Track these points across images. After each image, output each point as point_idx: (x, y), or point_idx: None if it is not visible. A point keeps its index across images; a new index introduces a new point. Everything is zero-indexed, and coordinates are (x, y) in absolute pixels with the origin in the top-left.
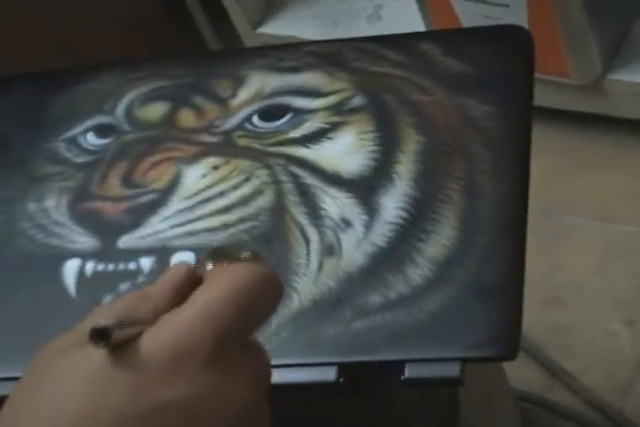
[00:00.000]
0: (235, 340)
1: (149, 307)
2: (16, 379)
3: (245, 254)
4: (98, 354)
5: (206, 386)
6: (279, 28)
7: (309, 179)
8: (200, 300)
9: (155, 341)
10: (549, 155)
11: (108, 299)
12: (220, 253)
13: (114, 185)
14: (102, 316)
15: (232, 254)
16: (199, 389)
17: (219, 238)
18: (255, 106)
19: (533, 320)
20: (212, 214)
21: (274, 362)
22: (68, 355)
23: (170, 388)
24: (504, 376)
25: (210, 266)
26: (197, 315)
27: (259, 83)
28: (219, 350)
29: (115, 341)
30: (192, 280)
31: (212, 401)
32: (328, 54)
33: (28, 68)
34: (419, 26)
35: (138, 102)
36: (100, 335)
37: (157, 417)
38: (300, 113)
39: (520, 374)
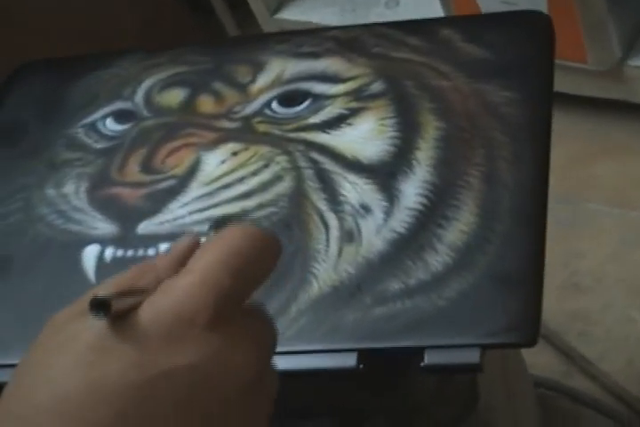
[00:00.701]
0: (234, 303)
1: (151, 277)
2: None
3: (246, 223)
4: (98, 324)
5: (209, 351)
6: (297, 14)
7: (329, 165)
8: (197, 265)
9: (154, 308)
10: (567, 141)
11: None
12: (222, 224)
13: (133, 171)
14: (103, 287)
15: (233, 224)
16: (202, 354)
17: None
18: (275, 91)
19: (552, 307)
20: (231, 200)
21: (294, 348)
22: (70, 326)
23: (172, 355)
24: (523, 363)
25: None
26: (195, 280)
27: (278, 68)
28: (219, 314)
29: (115, 311)
30: (195, 251)
31: (216, 366)
32: (348, 40)
33: (45, 52)
34: (437, 12)
35: (157, 88)
36: (99, 306)
37: (161, 385)
38: (319, 99)
39: (538, 360)
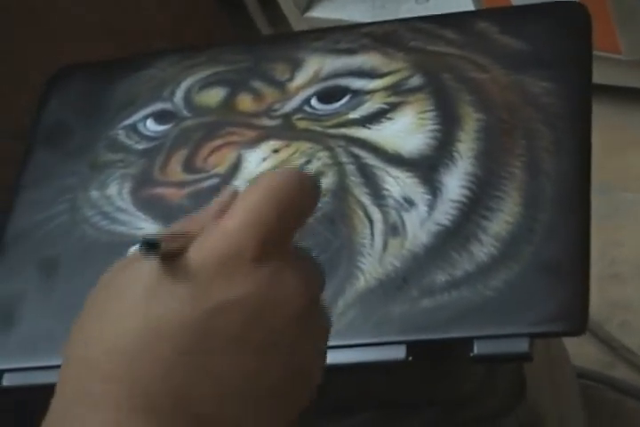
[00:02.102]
0: (280, 240)
1: (197, 225)
2: None
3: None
4: (151, 265)
5: (258, 284)
6: (327, 11)
7: (370, 159)
8: (241, 205)
9: (202, 247)
10: (601, 131)
11: None
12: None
13: (175, 171)
14: (151, 233)
15: None
16: (252, 288)
17: None
18: (313, 88)
19: (592, 297)
20: None
21: (343, 343)
22: (126, 270)
23: (223, 290)
24: (566, 353)
25: None
26: (240, 218)
27: (316, 65)
28: (265, 249)
29: (165, 251)
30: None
31: (265, 299)
32: (384, 35)
33: (79, 56)
34: (467, 6)
35: (196, 88)
36: (149, 246)
37: (215, 319)
38: (358, 94)
39: (580, 351)
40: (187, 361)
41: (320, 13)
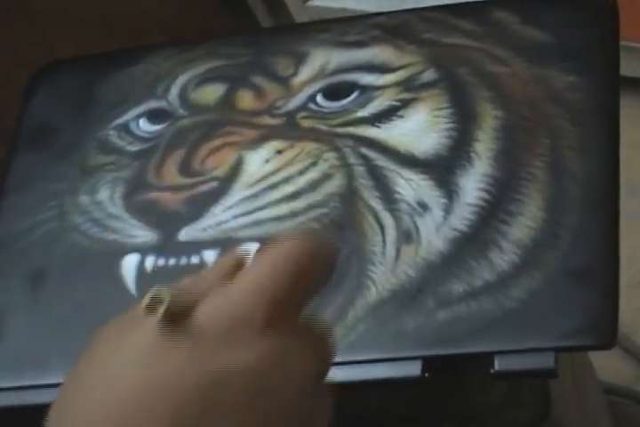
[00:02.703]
0: (291, 308)
1: (204, 285)
2: None
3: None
4: (153, 326)
5: (267, 352)
6: (330, 0)
7: (381, 161)
8: (253, 270)
9: (210, 310)
10: (630, 127)
11: None
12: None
13: (171, 174)
14: (158, 289)
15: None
16: (260, 355)
17: (286, 228)
18: (319, 84)
19: (621, 306)
20: (278, 202)
21: (353, 358)
22: (123, 333)
23: (230, 356)
24: (591, 367)
25: None
26: (251, 283)
27: (321, 59)
28: (275, 316)
29: (169, 310)
30: (242, 266)
31: (274, 370)
32: (395, 26)
33: (71, 50)
34: None
35: (192, 84)
36: (155, 302)
37: (219, 387)
38: (367, 90)
39: (607, 364)
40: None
41: (323, 2)
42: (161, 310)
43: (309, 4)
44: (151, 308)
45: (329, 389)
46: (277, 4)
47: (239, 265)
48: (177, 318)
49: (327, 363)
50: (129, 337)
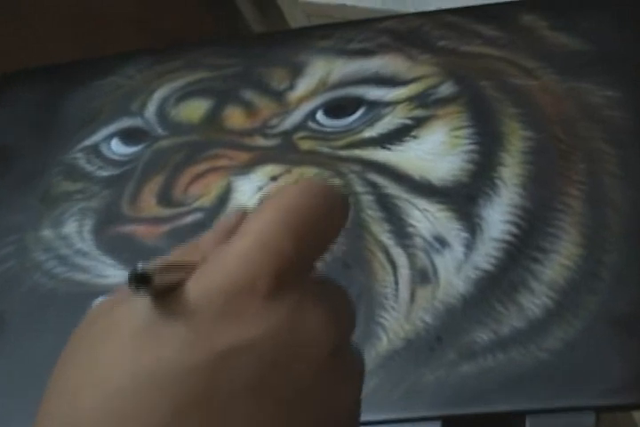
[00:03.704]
0: (299, 269)
1: (200, 253)
2: None
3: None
4: (141, 304)
5: (274, 323)
6: None
7: (392, 188)
8: (251, 227)
9: (205, 280)
10: None
11: None
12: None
13: (149, 204)
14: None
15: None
16: (266, 327)
17: None
18: (319, 100)
19: None
20: None
21: (362, 418)
22: (110, 312)
23: (233, 330)
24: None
25: None
26: (250, 244)
27: (322, 70)
28: (282, 280)
29: (158, 285)
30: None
31: (287, 340)
32: (406, 32)
33: (28, 51)
34: None
35: (173, 100)
36: (140, 280)
37: (226, 365)
38: (375, 107)
39: None
40: (191, 417)
41: None
42: (149, 286)
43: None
44: (137, 284)
45: (357, 354)
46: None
47: (239, 224)
48: (168, 293)
49: (348, 321)
50: (114, 320)
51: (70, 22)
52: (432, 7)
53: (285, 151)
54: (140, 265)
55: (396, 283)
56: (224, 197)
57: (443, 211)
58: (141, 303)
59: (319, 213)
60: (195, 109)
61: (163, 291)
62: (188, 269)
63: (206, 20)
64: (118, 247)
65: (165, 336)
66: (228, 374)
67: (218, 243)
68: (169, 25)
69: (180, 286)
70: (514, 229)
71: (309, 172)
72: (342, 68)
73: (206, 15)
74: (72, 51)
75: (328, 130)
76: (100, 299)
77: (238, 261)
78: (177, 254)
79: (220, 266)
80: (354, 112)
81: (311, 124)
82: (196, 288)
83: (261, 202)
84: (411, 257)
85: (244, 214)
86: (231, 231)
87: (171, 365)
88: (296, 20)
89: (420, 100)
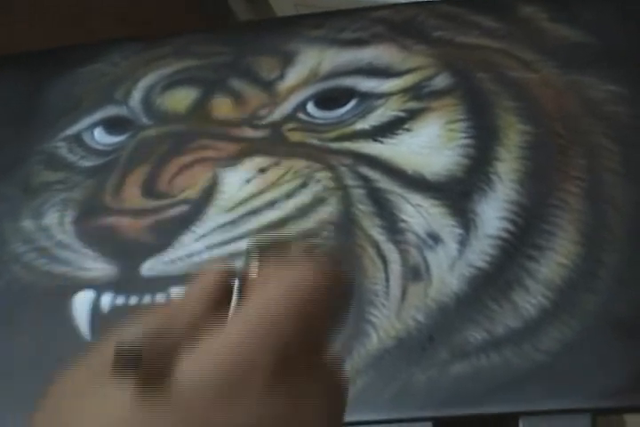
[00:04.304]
0: (302, 355)
1: (184, 320)
2: None
3: (299, 248)
4: (127, 387)
5: (272, 409)
6: None
7: (384, 182)
8: (253, 309)
9: (202, 361)
10: None
11: None
12: (266, 250)
13: (133, 195)
14: (127, 335)
15: (282, 252)
16: (264, 412)
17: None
18: (310, 90)
19: None
20: (260, 231)
21: (350, 419)
22: (88, 393)
23: (229, 416)
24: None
25: (254, 269)
26: (252, 327)
27: (313, 60)
28: (284, 365)
29: (147, 366)
30: (228, 288)
31: (282, 421)
32: (401, 22)
33: (15, 42)
34: None
35: (158, 88)
36: (127, 360)
37: None
38: (368, 98)
39: None
40: None
41: None
42: (135, 369)
43: None
44: (121, 366)
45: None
46: None
47: (226, 291)
48: (156, 377)
49: (342, 414)
50: (94, 403)
51: (51, 16)
52: None
53: (274, 143)
54: (126, 341)
55: (387, 280)
56: (211, 189)
57: (436, 206)
58: (128, 386)
59: (326, 297)
60: (181, 99)
61: (152, 374)
62: (178, 343)
63: (193, 10)
64: (101, 239)
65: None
66: None
67: (208, 311)
68: (153, 15)
69: (170, 365)
70: (509, 226)
71: (299, 164)
72: (334, 57)
73: (194, 9)
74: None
75: (319, 121)
76: (82, 294)
77: (241, 343)
78: (159, 317)
79: (219, 348)
80: (345, 103)
81: (301, 116)
82: (191, 371)
83: (259, 281)
84: (402, 253)
85: (226, 277)
86: (220, 298)
87: None
88: (283, 10)
89: (415, 91)
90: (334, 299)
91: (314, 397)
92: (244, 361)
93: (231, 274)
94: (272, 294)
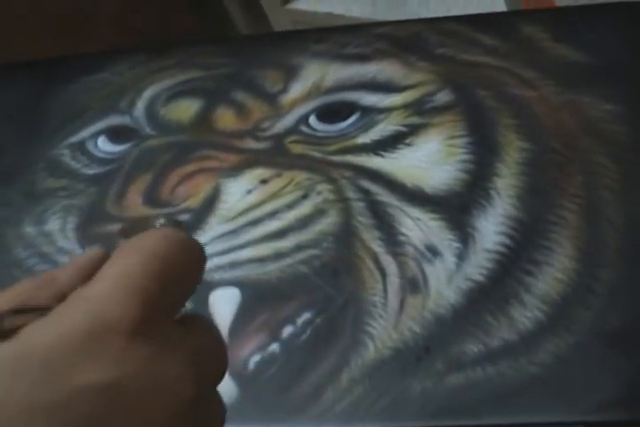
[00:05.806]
0: (163, 312)
1: (54, 291)
2: None
3: (161, 222)
4: None
5: (134, 366)
6: (315, 3)
7: (384, 196)
8: (114, 270)
9: (65, 319)
10: None
11: None
12: (133, 229)
13: (134, 203)
14: None
15: (146, 228)
16: (126, 369)
17: (270, 271)
18: (312, 103)
19: None
20: (260, 241)
21: None
22: None
23: (89, 370)
24: None
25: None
26: (114, 285)
27: (316, 74)
28: (146, 321)
29: (8, 328)
30: (103, 262)
31: (141, 383)
32: (404, 38)
33: (7, 46)
34: (498, 5)
35: (162, 98)
36: None
37: (74, 403)
38: (369, 112)
39: None
40: None
41: (305, 5)
42: None
43: (290, 6)
44: None
45: (220, 404)
46: (253, 5)
47: (97, 263)
48: (8, 334)
49: (216, 371)
50: None
51: (50, 22)
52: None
53: (276, 154)
54: None
55: (385, 291)
56: (212, 199)
57: (435, 220)
58: None
59: (177, 259)
60: (185, 109)
61: (14, 332)
62: (41, 313)
63: (193, 25)
64: (102, 246)
65: (14, 376)
66: (77, 413)
67: (76, 280)
68: (154, 26)
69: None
70: (507, 241)
71: (300, 176)
72: (337, 72)
73: (193, 19)
74: (52, 50)
75: (320, 134)
76: None
77: (100, 302)
78: (30, 287)
79: (81, 306)
80: (347, 117)
81: (303, 128)
82: (53, 327)
83: (121, 246)
84: (401, 265)
85: (104, 255)
86: (91, 270)
87: (17, 402)
88: (282, 27)
89: (416, 107)
90: (188, 263)
91: (173, 357)
92: (108, 320)
93: (104, 253)
94: (129, 260)
